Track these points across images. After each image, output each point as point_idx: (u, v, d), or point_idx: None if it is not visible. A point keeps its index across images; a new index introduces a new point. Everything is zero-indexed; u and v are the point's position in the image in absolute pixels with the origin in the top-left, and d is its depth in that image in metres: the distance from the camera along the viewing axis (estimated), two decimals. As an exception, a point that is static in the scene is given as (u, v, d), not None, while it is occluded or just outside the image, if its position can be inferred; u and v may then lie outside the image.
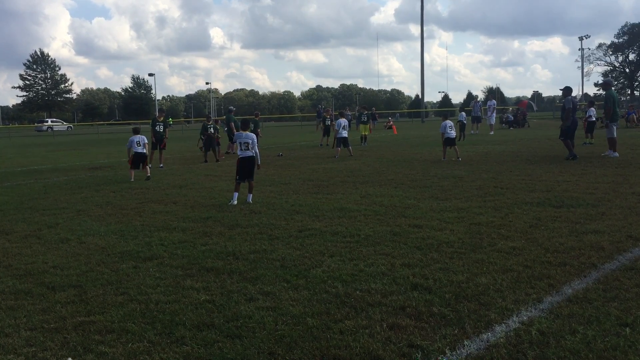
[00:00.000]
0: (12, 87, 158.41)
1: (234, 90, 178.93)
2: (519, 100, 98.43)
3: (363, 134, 24.53)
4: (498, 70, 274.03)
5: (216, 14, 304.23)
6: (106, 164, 19.18)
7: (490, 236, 6.51)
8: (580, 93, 74.76)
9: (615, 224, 6.89)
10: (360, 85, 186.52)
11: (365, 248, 6.18)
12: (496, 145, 20.99)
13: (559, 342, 3.68)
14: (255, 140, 9.76)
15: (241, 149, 9.57)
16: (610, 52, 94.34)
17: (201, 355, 3.70)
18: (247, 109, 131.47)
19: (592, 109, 21.86)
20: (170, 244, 6.71)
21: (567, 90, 15.24)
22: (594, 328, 3.87)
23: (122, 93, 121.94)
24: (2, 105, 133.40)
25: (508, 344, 3.68)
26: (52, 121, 79.10)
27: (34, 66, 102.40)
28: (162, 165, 16.53)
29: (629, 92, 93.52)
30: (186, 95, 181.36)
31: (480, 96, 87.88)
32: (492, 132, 29.27)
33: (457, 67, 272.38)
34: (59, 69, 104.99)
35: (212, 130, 19.19)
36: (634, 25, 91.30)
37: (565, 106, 15.08)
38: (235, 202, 9.34)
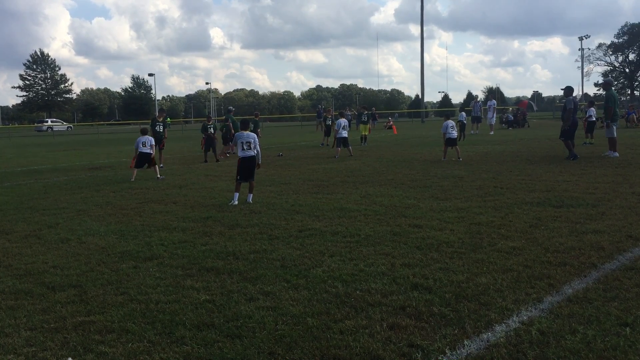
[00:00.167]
0: (12, 87, 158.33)
1: (234, 91, 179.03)
2: (519, 100, 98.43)
3: (363, 133, 24.53)
4: (498, 70, 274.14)
5: (216, 14, 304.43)
6: (106, 164, 19.18)
7: (490, 236, 6.51)
8: (580, 93, 74.84)
9: (615, 224, 6.89)
10: (360, 86, 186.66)
11: (365, 248, 6.18)
12: (496, 145, 20.99)
13: (559, 342, 3.68)
14: (257, 140, 9.76)
15: (242, 149, 9.56)
16: (610, 52, 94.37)
17: (201, 355, 3.70)
18: (247, 109, 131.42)
19: (592, 109, 21.87)
20: (171, 244, 6.71)
21: (569, 90, 15.22)
22: (594, 328, 3.87)
23: (122, 93, 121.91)
24: (2, 105, 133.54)
25: (508, 344, 3.68)
26: (52, 121, 79.03)
27: (34, 66, 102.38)
28: (162, 165, 16.53)
29: (629, 92, 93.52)
30: (186, 96, 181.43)
31: (480, 96, 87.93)
32: (492, 132, 29.27)
33: (457, 67, 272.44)
34: (59, 69, 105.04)
35: (212, 130, 19.22)
36: (633, 25, 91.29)
37: (566, 106, 15.07)
38: (236, 203, 9.34)
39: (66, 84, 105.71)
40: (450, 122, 15.91)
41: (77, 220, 8.57)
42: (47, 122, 77.69)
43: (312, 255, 5.97)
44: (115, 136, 48.12)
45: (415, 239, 6.46)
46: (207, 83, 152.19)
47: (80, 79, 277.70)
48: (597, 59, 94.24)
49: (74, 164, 19.52)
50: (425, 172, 12.92)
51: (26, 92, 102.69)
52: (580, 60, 78.46)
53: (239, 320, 4.24)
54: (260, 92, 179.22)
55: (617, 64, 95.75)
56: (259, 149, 9.70)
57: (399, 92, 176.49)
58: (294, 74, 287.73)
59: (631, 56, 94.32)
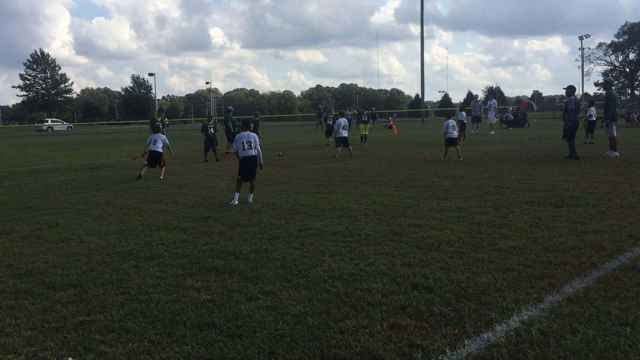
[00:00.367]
0: (12, 87, 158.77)
1: (234, 90, 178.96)
2: (519, 100, 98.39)
3: (363, 133, 24.54)
4: (498, 69, 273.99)
5: (216, 13, 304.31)
6: (106, 163, 19.19)
7: (490, 235, 6.51)
8: (581, 92, 74.73)
9: (615, 224, 6.89)
10: (360, 85, 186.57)
11: (365, 247, 6.18)
12: (496, 144, 20.99)
13: (559, 342, 3.68)
14: (257, 140, 9.77)
15: (243, 149, 9.56)
16: (611, 52, 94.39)
17: (201, 354, 3.70)
18: (247, 108, 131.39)
19: (592, 108, 21.86)
20: (171, 244, 6.71)
21: (571, 90, 15.20)
22: (594, 327, 3.88)
23: (122, 93, 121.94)
24: (2, 105, 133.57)
25: (508, 344, 3.68)
26: (52, 121, 79.05)
27: (34, 66, 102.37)
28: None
29: (629, 91, 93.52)
30: (186, 95, 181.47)
31: (481, 96, 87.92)
32: (492, 132, 29.26)
33: (457, 66, 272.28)
34: (59, 68, 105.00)
35: (212, 130, 19.24)
36: (634, 25, 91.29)
37: (567, 106, 15.05)
38: (237, 202, 9.34)
39: (66, 84, 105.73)
40: (451, 122, 15.89)
41: (78, 219, 8.58)
42: (47, 121, 77.70)
43: (312, 254, 5.97)
44: (115, 136, 48.14)
45: (416, 239, 6.47)
46: (207, 83, 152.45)
47: (81, 78, 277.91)
48: (597, 58, 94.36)
49: (74, 164, 19.52)
50: (426, 172, 12.92)
51: (26, 92, 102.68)
52: (580, 59, 78.59)
53: (240, 319, 4.24)
54: (260, 92, 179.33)
55: (617, 64, 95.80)
56: (259, 149, 9.70)
57: (399, 92, 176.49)
58: (294, 73, 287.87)
59: (631, 56, 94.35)
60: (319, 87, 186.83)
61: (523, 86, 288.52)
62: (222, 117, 29.03)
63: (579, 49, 77.30)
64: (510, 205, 8.29)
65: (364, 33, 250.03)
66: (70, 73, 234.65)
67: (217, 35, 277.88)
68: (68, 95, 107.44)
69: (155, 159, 13.74)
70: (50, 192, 11.89)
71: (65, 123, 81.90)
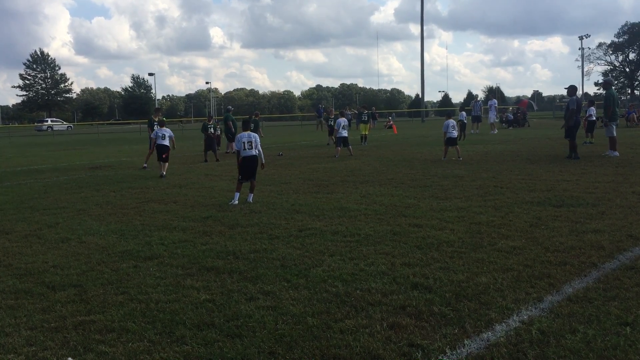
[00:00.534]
0: (12, 87, 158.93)
1: (234, 90, 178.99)
2: (519, 100, 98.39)
3: (363, 133, 24.54)
4: (498, 69, 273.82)
5: (216, 13, 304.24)
6: (106, 163, 19.19)
7: (490, 235, 6.51)
8: (581, 92, 74.74)
9: (615, 223, 6.89)
10: (360, 85, 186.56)
11: (365, 247, 6.18)
12: (496, 144, 20.99)
13: (559, 342, 3.68)
14: (258, 140, 9.77)
15: (244, 148, 9.56)
16: (611, 52, 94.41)
17: (201, 354, 3.70)
18: (247, 108, 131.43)
19: (592, 108, 21.86)
20: (171, 244, 6.71)
21: (572, 90, 15.19)
22: (594, 327, 3.87)
23: (122, 93, 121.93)
24: (2, 105, 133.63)
25: (508, 343, 3.68)
26: (52, 121, 79.01)
27: (34, 66, 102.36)
28: (147, 166, 16.61)
29: (629, 91, 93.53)
30: (186, 95, 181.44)
31: (481, 95, 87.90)
32: (492, 132, 29.24)
33: (457, 66, 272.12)
34: (59, 68, 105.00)
35: (212, 130, 19.24)
36: (634, 25, 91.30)
37: (569, 106, 15.05)
38: (237, 202, 9.34)
39: (66, 84, 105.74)
40: (452, 122, 15.89)
41: (77, 219, 8.58)
42: (47, 121, 77.66)
43: (312, 254, 5.97)
44: (115, 136, 48.13)
45: (416, 239, 6.46)
46: (207, 82, 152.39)
47: (80, 78, 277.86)
48: (597, 58, 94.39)
49: (74, 164, 19.52)
50: (426, 172, 12.92)
51: (26, 92, 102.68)
52: (580, 59, 78.58)
53: (239, 319, 4.24)
54: (260, 92, 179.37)
55: (617, 64, 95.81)
56: (260, 149, 9.71)
57: (399, 92, 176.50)
58: (293, 73, 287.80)
59: (631, 55, 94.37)
60: (319, 86, 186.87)
61: (523, 86, 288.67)
62: (222, 117, 29.05)
63: (579, 49, 77.36)
64: (510, 205, 8.29)
65: (364, 33, 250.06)
66: (70, 73, 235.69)
67: (217, 35, 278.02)
68: (68, 95, 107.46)
69: (161, 152, 14.05)
70: (50, 192, 11.89)
71: (65, 123, 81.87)
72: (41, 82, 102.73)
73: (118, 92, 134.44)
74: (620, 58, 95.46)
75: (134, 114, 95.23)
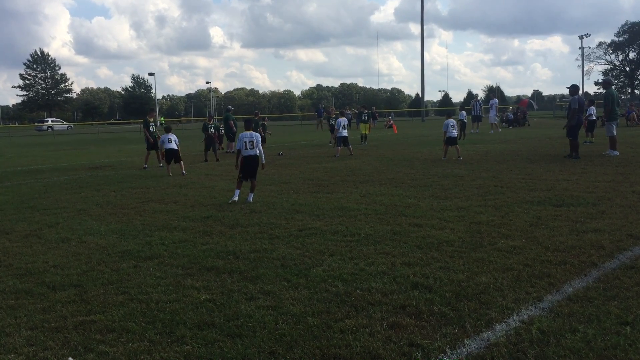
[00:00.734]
0: (12, 87, 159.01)
1: (234, 90, 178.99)
2: (519, 99, 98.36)
3: (363, 132, 24.54)
4: (498, 69, 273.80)
5: (216, 13, 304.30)
6: (106, 163, 19.19)
7: (490, 235, 6.51)
8: (581, 92, 74.64)
9: (615, 223, 6.89)
10: (360, 84, 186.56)
11: (365, 247, 6.19)
12: (496, 144, 20.99)
13: (559, 341, 3.68)
14: (260, 140, 9.79)
15: (245, 148, 9.59)
16: (611, 51, 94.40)
17: (202, 354, 3.71)
18: (247, 108, 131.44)
19: (592, 107, 21.86)
20: (171, 243, 6.71)
21: (574, 89, 15.18)
22: (594, 327, 3.88)
23: (122, 92, 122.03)
24: (2, 105, 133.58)
25: (508, 343, 3.68)
26: (52, 121, 79.05)
27: (34, 66, 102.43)
28: (162, 164, 16.58)
29: (629, 90, 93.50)
30: (186, 95, 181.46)
31: (481, 95, 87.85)
32: (493, 131, 29.23)
33: (457, 66, 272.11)
34: (59, 68, 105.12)
35: (212, 130, 19.25)
36: (634, 24, 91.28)
37: (571, 105, 15.05)
38: (237, 199, 9.36)
39: (66, 84, 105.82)
40: (452, 121, 15.89)
41: (78, 219, 8.58)
42: (47, 121, 77.69)
43: (312, 254, 5.97)
44: (115, 135, 48.13)
45: (416, 238, 6.47)
46: (207, 82, 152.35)
47: (81, 78, 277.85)
48: (598, 57, 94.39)
49: (74, 164, 19.52)
50: (426, 171, 12.92)
51: (26, 92, 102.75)
52: (580, 59, 78.50)
53: (240, 319, 4.24)
54: (260, 91, 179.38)
55: (617, 63, 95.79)
56: (261, 149, 9.74)
57: (399, 91, 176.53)
58: (294, 73, 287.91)
59: (631, 55, 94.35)
60: (319, 86, 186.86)
61: (523, 85, 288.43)
62: (222, 117, 29.06)
63: (579, 48, 77.25)
64: (510, 205, 8.29)
65: (364, 32, 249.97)
66: (70, 73, 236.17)
67: (217, 34, 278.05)
68: (68, 95, 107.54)
69: (172, 156, 14.49)
70: (50, 192, 11.89)
71: (65, 123, 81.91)
72: (41, 82, 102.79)
73: (118, 92, 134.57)
74: (621, 57, 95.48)
75: (134, 113, 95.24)
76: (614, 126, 15.42)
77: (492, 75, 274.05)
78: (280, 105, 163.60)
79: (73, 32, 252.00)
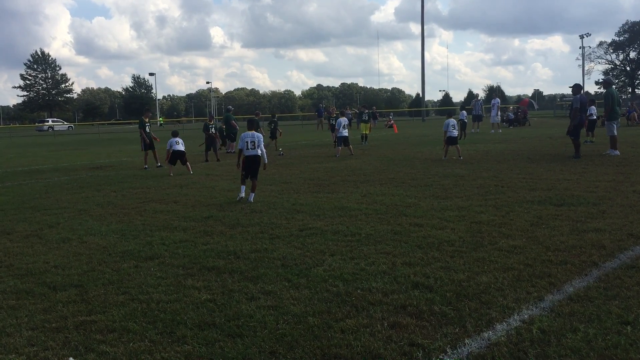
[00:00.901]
0: (13, 87, 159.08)
1: (234, 90, 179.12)
2: (519, 99, 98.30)
3: (364, 132, 24.54)
4: (499, 68, 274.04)
5: (216, 13, 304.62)
6: (107, 163, 19.20)
7: (491, 235, 6.51)
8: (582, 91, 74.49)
9: (616, 222, 6.88)
10: (360, 84, 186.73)
11: (366, 247, 6.18)
12: (497, 143, 20.98)
13: (560, 341, 3.68)
14: (262, 140, 9.82)
15: (247, 148, 9.64)
16: (611, 51, 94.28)
17: (202, 354, 3.71)
18: (247, 108, 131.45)
19: (593, 107, 21.84)
20: (172, 243, 6.71)
21: (577, 88, 15.17)
22: (595, 326, 3.87)
23: (123, 93, 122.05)
24: (3, 105, 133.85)
25: (509, 343, 3.68)
26: (53, 121, 79.07)
27: (35, 66, 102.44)
28: (160, 164, 16.62)
29: (630, 90, 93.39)
30: (187, 95, 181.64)
31: (481, 95, 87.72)
32: (493, 131, 29.20)
33: (458, 65, 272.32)
34: (60, 68, 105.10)
35: (213, 130, 19.26)
36: (634, 24, 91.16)
37: (573, 105, 15.04)
38: (243, 195, 9.54)
39: (67, 84, 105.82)
40: (452, 121, 15.88)
41: (78, 219, 8.58)
42: (48, 121, 77.72)
43: (313, 254, 5.97)
44: (116, 136, 48.14)
45: (416, 238, 6.46)
46: (207, 82, 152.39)
47: (81, 78, 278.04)
48: (598, 57, 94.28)
49: (75, 164, 19.53)
50: (426, 171, 12.91)
51: (27, 92, 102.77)
52: (581, 58, 78.42)
53: (240, 319, 4.24)
54: (260, 91, 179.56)
55: (617, 62, 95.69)
56: (263, 149, 9.77)
57: (399, 91, 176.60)
58: (294, 72, 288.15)
59: (632, 54, 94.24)
60: (319, 86, 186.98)
61: (524, 85, 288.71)
62: (222, 117, 29.05)
63: (580, 48, 77.13)
64: (511, 204, 8.29)
65: (364, 32, 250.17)
66: (70, 73, 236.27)
67: (217, 34, 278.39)
68: (69, 95, 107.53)
69: (178, 157, 14.71)
70: (51, 192, 11.90)
71: (65, 123, 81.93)
72: (42, 82, 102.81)
73: (119, 92, 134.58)
74: (621, 57, 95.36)
75: (135, 113, 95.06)
76: (615, 126, 15.41)
77: (492, 75, 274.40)
78: (280, 105, 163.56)
79: (73, 32, 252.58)
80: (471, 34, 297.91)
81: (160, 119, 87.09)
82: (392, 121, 43.16)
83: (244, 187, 9.68)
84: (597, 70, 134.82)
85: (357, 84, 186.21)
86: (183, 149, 14.81)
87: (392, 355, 3.57)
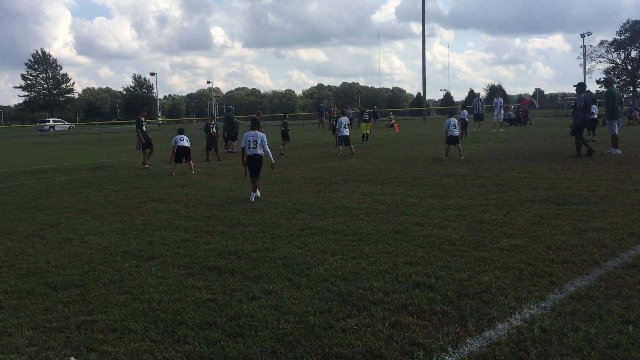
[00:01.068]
0: (14, 87, 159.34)
1: (235, 89, 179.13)
2: (520, 98, 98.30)
3: (365, 132, 24.53)
4: (500, 67, 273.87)
5: (217, 13, 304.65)
6: (108, 163, 19.21)
7: (492, 234, 6.50)
8: (583, 90, 74.37)
9: (617, 222, 6.87)
10: (361, 84, 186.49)
11: (367, 246, 6.18)
12: (498, 143, 20.96)
13: (561, 340, 3.67)
14: (265, 139, 9.84)
15: (249, 147, 9.71)
16: (612, 50, 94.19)
17: (203, 354, 3.71)
18: (248, 107, 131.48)
19: (594, 106, 21.80)
20: (173, 243, 6.71)
21: (581, 87, 15.15)
22: (596, 325, 3.87)
23: (124, 92, 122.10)
24: (4, 105, 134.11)
25: (510, 342, 3.67)
26: (54, 121, 79.20)
27: (36, 66, 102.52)
28: (148, 166, 16.60)
29: (631, 89, 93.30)
30: (188, 95, 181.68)
31: (482, 94, 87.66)
32: (495, 130, 29.18)
33: (459, 65, 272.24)
34: (61, 68, 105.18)
35: (214, 130, 19.27)
36: (635, 22, 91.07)
37: (577, 104, 15.03)
38: (258, 194, 9.70)
39: (68, 84, 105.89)
40: (453, 120, 15.88)
41: (79, 219, 8.59)
42: (49, 121, 77.83)
43: (314, 254, 5.97)
44: (117, 135, 48.14)
45: (417, 237, 6.46)
46: (208, 82, 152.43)
47: (82, 78, 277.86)
48: (599, 56, 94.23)
49: (76, 164, 19.54)
50: (427, 170, 12.90)
51: (28, 92, 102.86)
52: (582, 57, 78.34)
53: (241, 319, 4.24)
54: (261, 91, 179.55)
55: (619, 61, 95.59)
56: (267, 149, 9.82)
57: (400, 90, 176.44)
58: (295, 72, 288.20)
59: (633, 53, 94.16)
60: (320, 85, 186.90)
61: (525, 84, 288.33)
62: (222, 117, 29.06)
63: (581, 47, 76.99)
64: (512, 204, 8.28)
65: (365, 32, 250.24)
66: (71, 73, 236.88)
67: (218, 34, 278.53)
68: (70, 95, 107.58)
69: (184, 153, 14.73)
70: (52, 192, 11.91)
71: (67, 123, 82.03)
72: (43, 82, 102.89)
73: (120, 92, 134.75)
74: (622, 56, 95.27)
75: (136, 113, 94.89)
76: (616, 125, 15.39)
77: (493, 74, 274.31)
78: (281, 104, 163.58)
79: (74, 32, 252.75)
80: (472, 33, 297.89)
81: (160, 118, 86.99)
82: (392, 120, 43.15)
83: (256, 191, 9.81)
84: (599, 69, 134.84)
85: (358, 83, 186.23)
86: (188, 146, 14.84)
87: (393, 355, 3.57)
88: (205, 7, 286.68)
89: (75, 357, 3.74)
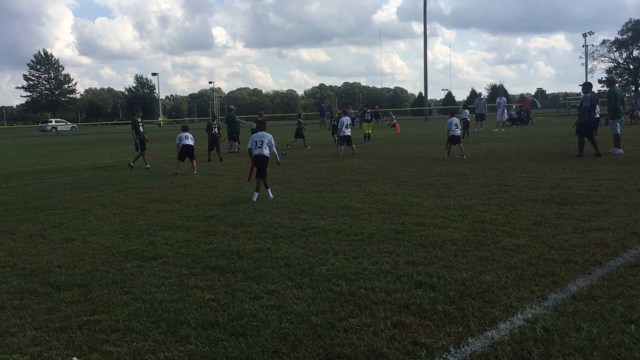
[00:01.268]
0: (16, 88, 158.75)
1: (237, 90, 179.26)
2: (522, 98, 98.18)
3: (366, 132, 24.53)
4: (501, 67, 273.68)
5: (219, 13, 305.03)
6: (110, 163, 19.23)
7: (494, 234, 6.49)
8: (584, 90, 74.26)
9: (619, 221, 6.86)
10: (363, 84, 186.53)
11: (369, 246, 6.18)
12: (500, 142, 20.94)
13: (563, 340, 3.67)
14: (272, 140, 9.92)
15: (255, 147, 9.82)
16: (614, 49, 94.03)
17: (206, 353, 3.71)
18: (250, 107, 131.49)
19: (596, 105, 21.75)
20: (175, 243, 6.72)
21: (587, 87, 15.15)
22: (598, 325, 3.86)
23: (126, 93, 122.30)
24: (6, 105, 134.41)
25: (512, 342, 3.67)
26: (56, 121, 79.34)
27: (38, 66, 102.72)
28: (149, 166, 16.63)
29: (633, 88, 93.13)
30: (189, 95, 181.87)
31: (484, 94, 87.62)
32: (497, 130, 29.15)
33: (460, 64, 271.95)
34: (63, 69, 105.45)
35: (216, 130, 19.28)
36: (637, 22, 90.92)
37: (582, 103, 15.01)
38: (271, 196, 9.75)
39: (70, 84, 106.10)
40: (455, 120, 15.86)
41: (82, 219, 8.60)
42: (51, 122, 78.01)
43: (316, 253, 5.97)
44: (119, 136, 48.19)
45: (419, 237, 6.46)
46: (210, 82, 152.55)
47: (84, 78, 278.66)
48: (601, 55, 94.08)
49: (78, 164, 19.57)
50: (429, 170, 12.90)
51: (30, 93, 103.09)
52: (584, 57, 78.28)
53: (244, 319, 4.25)
54: (263, 91, 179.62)
55: (621, 61, 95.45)
56: (275, 151, 10.02)
57: (402, 90, 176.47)
58: (297, 72, 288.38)
59: (635, 52, 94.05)
60: (322, 85, 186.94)
61: (527, 84, 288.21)
62: (224, 117, 29.06)
63: (583, 46, 77.06)
64: (514, 203, 8.27)
65: (366, 31, 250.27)
66: (73, 73, 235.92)
67: (219, 34, 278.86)
68: (72, 96, 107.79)
69: (187, 152, 14.72)
70: (54, 192, 11.92)
71: (69, 123, 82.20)
72: (45, 82, 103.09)
73: (121, 92, 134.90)
74: (624, 55, 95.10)
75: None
76: (618, 124, 15.37)
77: (495, 74, 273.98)
78: (283, 104, 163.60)
79: (76, 32, 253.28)
80: (474, 33, 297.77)
81: (160, 119, 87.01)
82: (394, 120, 43.11)
83: (269, 189, 9.88)
84: (600, 68, 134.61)
85: (359, 83, 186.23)
86: (192, 144, 14.85)
87: (395, 355, 3.57)
88: (207, 7, 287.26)
89: (77, 357, 3.75)
